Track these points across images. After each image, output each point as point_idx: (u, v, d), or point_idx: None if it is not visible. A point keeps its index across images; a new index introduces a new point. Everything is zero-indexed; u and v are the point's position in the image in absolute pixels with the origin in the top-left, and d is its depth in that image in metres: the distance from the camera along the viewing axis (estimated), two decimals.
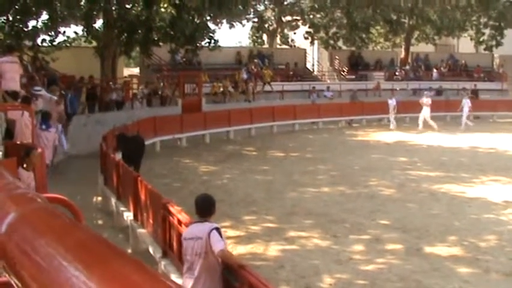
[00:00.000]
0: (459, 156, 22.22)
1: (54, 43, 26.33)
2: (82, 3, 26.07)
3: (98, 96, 25.18)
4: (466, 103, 31.95)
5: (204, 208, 6.37)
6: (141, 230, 10.66)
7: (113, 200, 13.25)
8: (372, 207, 13.81)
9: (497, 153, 23.35)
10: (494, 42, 43.84)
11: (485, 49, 45.30)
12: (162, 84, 29.58)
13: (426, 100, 31.20)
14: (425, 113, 31.02)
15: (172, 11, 21.78)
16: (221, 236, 6.05)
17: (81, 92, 24.26)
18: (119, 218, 12.48)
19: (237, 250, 10.46)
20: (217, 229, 6.10)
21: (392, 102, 32.67)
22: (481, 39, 44.90)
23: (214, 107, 29.80)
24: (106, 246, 1.39)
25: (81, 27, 28.32)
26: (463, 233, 11.68)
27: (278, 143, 26.39)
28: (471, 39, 45.71)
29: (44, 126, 14.17)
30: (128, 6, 27.11)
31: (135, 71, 46.40)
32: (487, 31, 44.37)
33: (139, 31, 27.00)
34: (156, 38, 27.78)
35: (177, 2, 24.52)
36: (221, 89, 32.13)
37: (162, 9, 21.73)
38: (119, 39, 27.24)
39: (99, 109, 24.54)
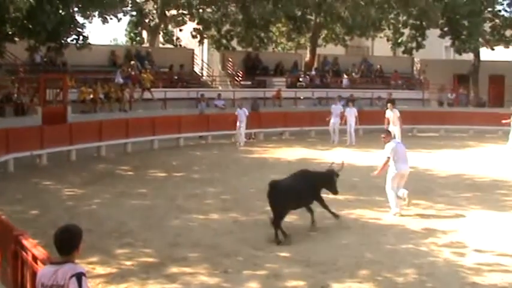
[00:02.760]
0: (373, 176, 22.75)
1: None
2: None
3: None
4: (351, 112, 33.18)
5: (65, 244, 6.07)
6: None
7: None
8: (269, 237, 13.92)
9: (417, 172, 23.94)
10: (414, 44, 45.32)
11: (404, 52, 46.73)
12: (17, 88, 28.84)
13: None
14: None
15: (31, 0, 21.33)
16: (81, 286, 5.86)
17: None
18: None
19: None
20: (79, 276, 5.89)
21: (338, 109, 33.93)
22: (399, 41, 46.31)
23: (82, 118, 29.32)
24: None
25: None
26: (376, 267, 11.97)
27: (159, 161, 26.29)
28: (388, 40, 47.06)
29: None
30: None
31: None
32: (407, 31, 45.77)
33: None
34: (10, 33, 27.15)
35: None
36: (91, 96, 31.59)
37: None
38: None
39: None
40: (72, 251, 6.06)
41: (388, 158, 16.82)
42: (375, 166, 24.31)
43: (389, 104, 31.55)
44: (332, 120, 34.04)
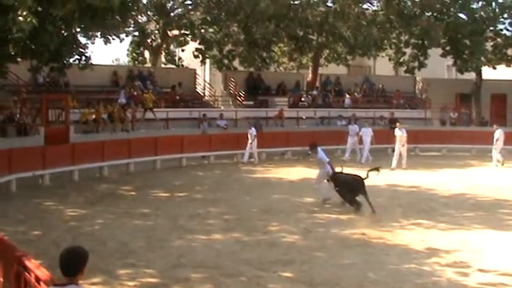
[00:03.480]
0: (376, 195, 22.59)
1: None
2: None
3: None
4: (368, 132, 33.50)
5: (70, 265, 6.08)
6: None
7: None
8: (273, 257, 13.90)
9: (420, 192, 24.07)
10: (416, 64, 45.27)
11: (406, 71, 46.77)
12: (19, 109, 28.88)
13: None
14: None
15: (34, 20, 21.33)
16: None
17: None
18: None
19: None
20: None
21: (354, 129, 35.09)
22: (401, 60, 46.35)
23: (84, 138, 29.34)
24: None
25: None
26: (380, 287, 11.94)
27: (162, 181, 26.26)
28: (390, 59, 47.14)
29: None
30: None
31: None
32: (408, 50, 45.82)
33: None
34: (13, 53, 27.16)
35: (40, 9, 24.13)
36: (93, 116, 31.63)
37: (21, 18, 21.21)
38: None
39: None
40: (77, 273, 6.05)
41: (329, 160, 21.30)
42: (376, 186, 24.52)
43: (398, 124, 31.79)
44: (349, 140, 35.06)
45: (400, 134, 30.86)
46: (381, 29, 44.06)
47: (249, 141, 33.40)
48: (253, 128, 33.85)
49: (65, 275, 6.05)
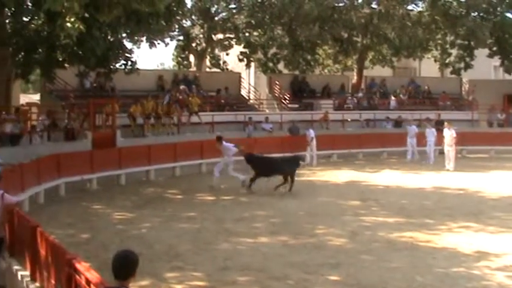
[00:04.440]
0: (422, 198, 22.60)
1: None
2: None
3: None
4: (431, 133, 33.17)
5: (122, 269, 6.15)
6: None
7: (5, 256, 12.98)
8: (319, 260, 13.90)
9: (467, 195, 23.84)
10: (462, 65, 44.78)
11: (452, 72, 46.33)
12: (67, 114, 29.21)
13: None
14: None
15: (81, 27, 21.57)
16: None
17: None
18: (12, 279, 12.21)
19: None
20: None
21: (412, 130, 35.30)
22: (447, 61, 45.95)
23: (131, 142, 29.56)
24: None
25: None
26: None
27: (207, 185, 26.33)
28: (435, 60, 46.80)
29: None
30: (25, 19, 26.84)
31: (35, 98, 45.97)
32: (454, 51, 45.39)
33: (40, 50, 26.74)
34: (60, 59, 27.51)
35: (87, 15, 24.40)
36: (138, 112, 31.80)
37: (68, 24, 21.45)
38: (14, 58, 26.90)
39: None
40: (128, 277, 6.14)
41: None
42: (423, 188, 24.30)
43: (446, 123, 31.58)
44: (408, 141, 35.17)
45: (449, 134, 30.64)
46: (426, 30, 43.76)
47: (310, 143, 33.59)
48: (310, 130, 33.98)
49: (117, 278, 6.12)
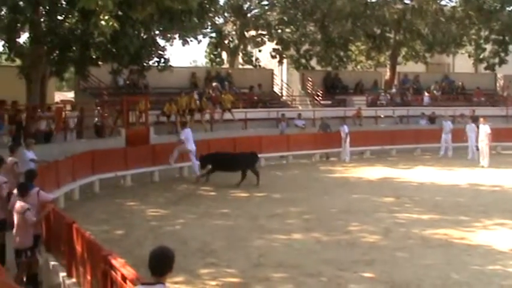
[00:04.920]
0: (457, 195, 22.47)
1: None
2: (3, 12, 25.77)
3: (23, 126, 24.93)
4: (471, 128, 32.99)
5: (159, 265, 6.24)
6: None
7: (41, 251, 13.10)
8: (353, 257, 13.89)
9: (503, 191, 23.64)
10: (497, 60, 44.51)
11: (486, 68, 46.00)
12: (101, 111, 29.38)
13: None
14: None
15: (115, 24, 21.69)
16: None
17: (3, 120, 24.04)
18: (48, 275, 12.33)
19: None
20: None
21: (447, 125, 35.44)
22: (481, 57, 45.65)
23: (164, 139, 29.64)
24: None
25: (2, 42, 28.14)
26: None
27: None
28: (469, 56, 46.45)
29: None
30: (60, 17, 27.03)
31: (69, 95, 46.35)
32: (489, 47, 45.06)
33: (74, 48, 26.90)
34: (94, 56, 27.65)
35: (120, 13, 24.52)
36: (174, 110, 32.00)
37: (102, 22, 21.58)
38: (49, 57, 27.09)
39: (24, 141, 24.29)
40: (165, 273, 6.19)
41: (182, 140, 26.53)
42: (457, 185, 24.15)
43: (481, 119, 31.37)
44: (443, 136, 35.27)
45: (484, 129, 30.44)
46: (460, 25, 43.46)
47: (345, 139, 33.64)
48: (345, 126, 33.99)
49: (153, 275, 6.17)
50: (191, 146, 26.69)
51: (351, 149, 34.15)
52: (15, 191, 12.12)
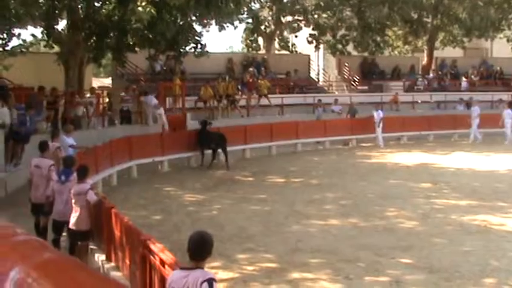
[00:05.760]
0: (495, 181, 22.29)
1: (7, 48, 26.21)
2: (41, 0, 25.92)
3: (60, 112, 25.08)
4: (508, 114, 32.69)
5: (199, 250, 6.22)
6: (115, 273, 10.66)
7: None
8: (390, 243, 13.86)
9: None
10: None
11: None
12: (137, 97, 29.43)
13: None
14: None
15: (152, 10, 21.78)
16: None
17: (42, 106, 24.22)
18: (88, 259, 12.44)
19: None
20: (210, 281, 5.98)
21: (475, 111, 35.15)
22: None
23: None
24: None
25: (41, 29, 28.32)
26: (502, 275, 11.72)
27: (277, 167, 26.42)
28: (508, 40, 45.81)
29: None
30: (97, 4, 27.15)
31: (107, 81, 46.62)
32: None
33: (112, 34, 27.01)
34: (131, 43, 27.75)
35: None
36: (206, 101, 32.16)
37: (140, 8, 21.70)
38: (86, 43, 27.24)
39: (62, 127, 24.46)
40: (204, 258, 6.20)
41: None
42: (495, 171, 23.93)
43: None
44: (474, 122, 35.07)
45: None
46: (499, 9, 42.91)
47: (378, 123, 33.63)
48: (379, 111, 33.96)
49: (192, 259, 6.17)
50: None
51: (388, 135, 34.04)
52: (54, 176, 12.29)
